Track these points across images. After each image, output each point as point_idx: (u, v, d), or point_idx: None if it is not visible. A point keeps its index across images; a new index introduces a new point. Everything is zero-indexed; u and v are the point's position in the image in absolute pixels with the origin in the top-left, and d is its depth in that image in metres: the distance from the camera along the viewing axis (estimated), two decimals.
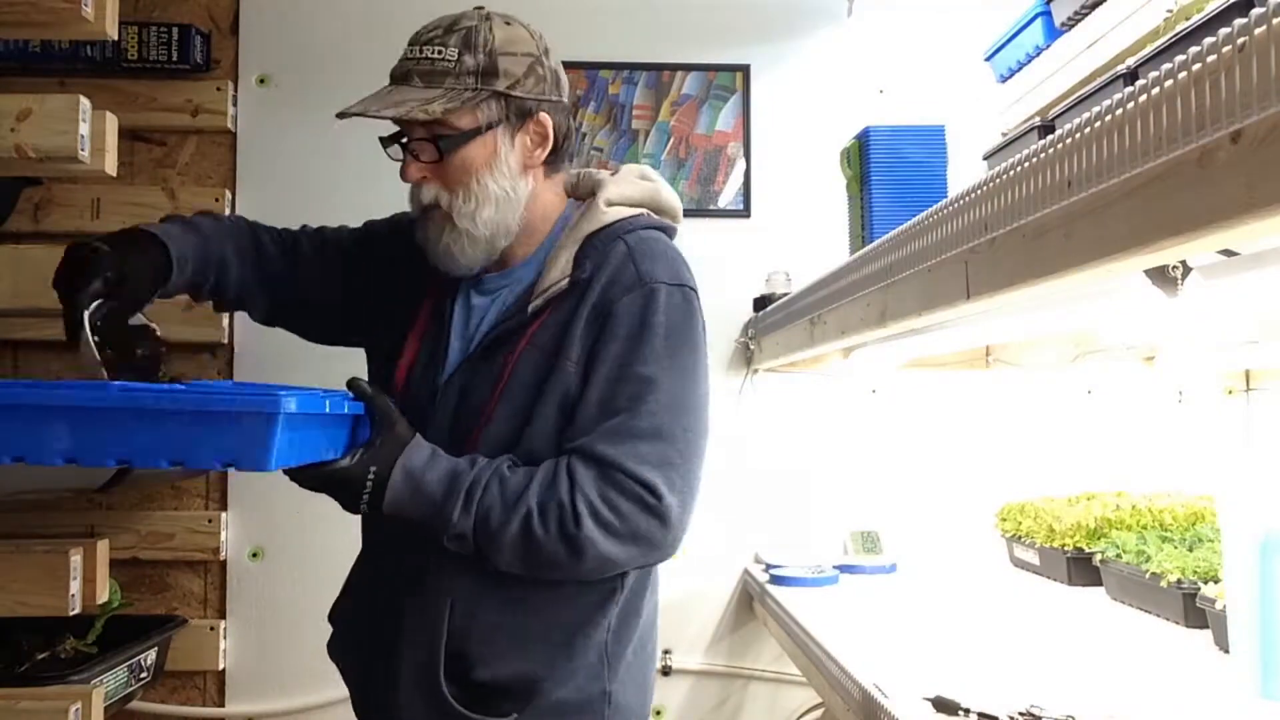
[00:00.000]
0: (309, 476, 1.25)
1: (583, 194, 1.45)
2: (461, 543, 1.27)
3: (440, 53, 1.31)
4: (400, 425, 1.29)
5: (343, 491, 1.27)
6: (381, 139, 1.38)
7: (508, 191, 1.34)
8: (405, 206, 1.49)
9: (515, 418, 1.32)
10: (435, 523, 1.26)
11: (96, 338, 1.25)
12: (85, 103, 1.46)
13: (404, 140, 1.35)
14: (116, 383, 1.14)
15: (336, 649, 1.50)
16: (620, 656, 1.37)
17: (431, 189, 1.34)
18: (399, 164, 1.36)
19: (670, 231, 1.45)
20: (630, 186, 1.43)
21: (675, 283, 1.34)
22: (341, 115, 1.33)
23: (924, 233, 1.25)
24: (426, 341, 1.41)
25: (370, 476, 1.26)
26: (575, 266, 1.33)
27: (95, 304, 1.26)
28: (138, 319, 1.35)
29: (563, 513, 1.24)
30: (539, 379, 1.32)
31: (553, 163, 1.40)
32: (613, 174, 1.46)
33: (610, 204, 1.39)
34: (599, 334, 1.31)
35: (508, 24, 1.35)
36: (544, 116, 1.35)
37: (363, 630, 1.44)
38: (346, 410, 1.28)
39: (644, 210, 1.42)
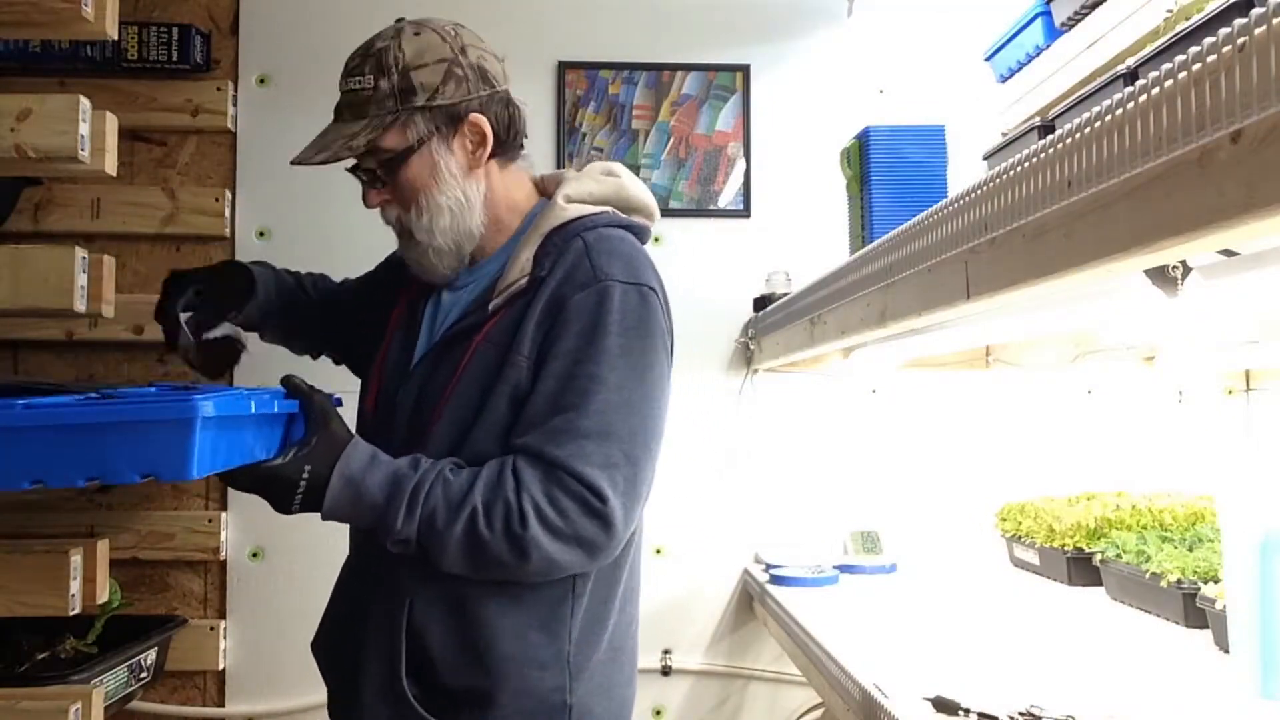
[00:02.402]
0: (239, 477, 1.22)
1: (551, 192, 1.45)
2: (405, 546, 1.25)
3: (360, 83, 1.35)
4: (335, 423, 1.27)
5: (273, 491, 1.24)
6: (348, 170, 1.42)
7: (460, 198, 1.37)
8: None
9: (465, 411, 1.31)
10: (378, 527, 1.25)
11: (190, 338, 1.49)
12: (85, 103, 1.46)
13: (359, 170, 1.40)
14: (21, 400, 1.08)
15: (316, 647, 1.50)
16: (584, 667, 1.33)
17: (392, 210, 1.40)
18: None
19: (637, 229, 1.44)
20: (593, 183, 1.43)
21: (632, 281, 1.33)
22: (294, 162, 1.41)
23: (924, 233, 1.25)
24: (398, 337, 1.45)
25: (304, 477, 1.23)
26: (535, 264, 1.33)
27: (188, 313, 1.50)
28: (226, 329, 1.55)
29: (509, 512, 1.22)
30: (490, 374, 1.31)
31: (504, 154, 1.41)
32: (578, 171, 1.47)
33: (570, 200, 1.39)
34: (550, 329, 1.30)
35: (417, 34, 1.36)
36: (475, 117, 1.36)
37: (335, 630, 1.45)
38: (277, 409, 1.24)
39: (608, 208, 1.41)
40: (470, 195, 1.37)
